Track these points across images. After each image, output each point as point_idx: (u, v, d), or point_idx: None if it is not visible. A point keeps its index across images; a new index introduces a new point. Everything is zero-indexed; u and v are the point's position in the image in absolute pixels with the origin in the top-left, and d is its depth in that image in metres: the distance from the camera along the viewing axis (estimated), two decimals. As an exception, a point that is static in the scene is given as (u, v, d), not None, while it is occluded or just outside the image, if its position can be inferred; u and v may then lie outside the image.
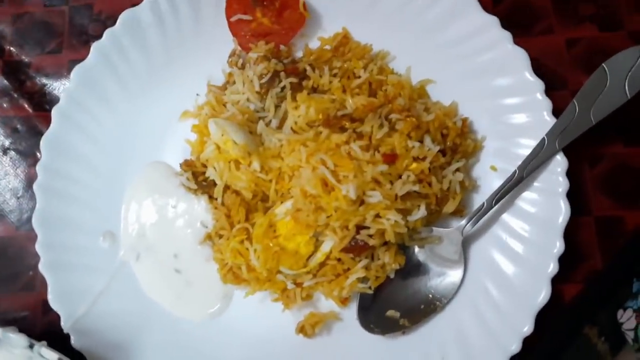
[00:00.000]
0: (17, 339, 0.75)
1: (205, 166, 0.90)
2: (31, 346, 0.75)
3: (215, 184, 0.88)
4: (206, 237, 0.89)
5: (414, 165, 0.84)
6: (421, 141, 0.85)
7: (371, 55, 0.94)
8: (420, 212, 0.83)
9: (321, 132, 0.84)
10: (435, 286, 0.84)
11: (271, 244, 0.83)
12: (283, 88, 0.88)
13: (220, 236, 0.88)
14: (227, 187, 0.88)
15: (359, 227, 0.81)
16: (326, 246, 0.82)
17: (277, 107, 0.88)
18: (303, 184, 0.81)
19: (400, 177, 0.83)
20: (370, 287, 0.84)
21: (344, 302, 0.85)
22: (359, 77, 0.90)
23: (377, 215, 0.81)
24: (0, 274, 0.92)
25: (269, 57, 0.90)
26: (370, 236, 0.81)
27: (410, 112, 0.85)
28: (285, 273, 0.83)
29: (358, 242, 0.81)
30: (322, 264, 0.84)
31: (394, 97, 0.87)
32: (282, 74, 0.88)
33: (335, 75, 0.91)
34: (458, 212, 0.88)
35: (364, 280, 0.83)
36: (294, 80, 0.88)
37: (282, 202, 0.85)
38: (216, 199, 0.88)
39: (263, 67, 0.88)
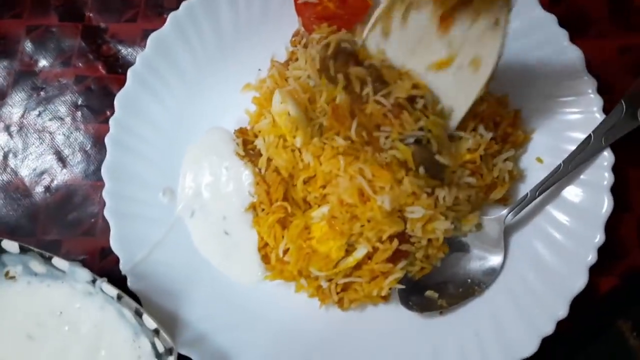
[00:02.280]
0: (81, 273, 0.80)
1: (256, 136, 0.95)
2: (93, 281, 0.80)
3: (261, 155, 0.93)
4: (251, 206, 0.93)
5: (468, 155, 0.87)
6: (474, 129, 0.88)
7: None
8: (473, 222, 0.86)
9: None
10: (475, 270, 0.87)
11: (304, 245, 0.86)
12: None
13: (262, 209, 0.91)
14: (269, 162, 0.92)
15: (400, 237, 0.83)
16: (359, 253, 0.85)
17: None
18: (340, 192, 0.83)
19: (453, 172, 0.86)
20: (413, 277, 0.87)
21: (385, 298, 0.87)
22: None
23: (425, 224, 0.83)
24: (65, 218, 0.98)
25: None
26: (413, 244, 0.84)
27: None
28: (315, 274, 0.86)
29: (398, 249, 0.84)
30: (356, 267, 0.86)
31: None
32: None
33: None
34: (503, 201, 0.90)
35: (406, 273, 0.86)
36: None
37: (318, 206, 0.88)
38: (260, 170, 0.92)
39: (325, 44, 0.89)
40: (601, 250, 0.82)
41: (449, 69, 0.85)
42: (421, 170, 0.83)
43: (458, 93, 0.85)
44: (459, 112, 0.86)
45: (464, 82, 0.84)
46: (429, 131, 0.85)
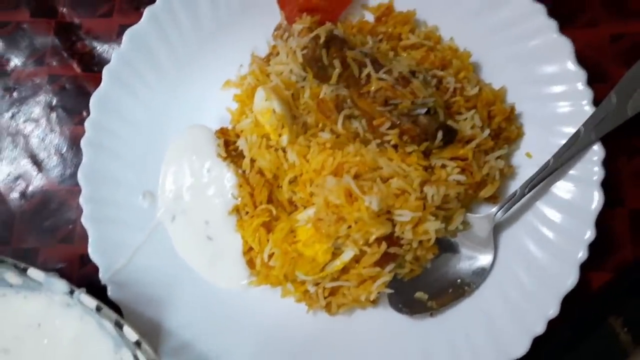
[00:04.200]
0: (58, 284, 0.77)
1: (238, 137, 0.92)
2: (71, 292, 0.77)
3: (244, 156, 0.90)
4: (234, 209, 0.90)
5: (461, 150, 0.85)
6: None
7: (417, 20, 0.95)
8: (458, 220, 0.85)
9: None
10: (465, 270, 0.85)
11: (290, 249, 0.84)
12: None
13: (246, 212, 0.89)
14: (253, 163, 0.89)
15: (389, 239, 0.82)
16: (346, 256, 0.83)
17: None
18: (326, 194, 0.81)
19: (443, 166, 0.84)
20: (402, 278, 0.85)
21: (374, 302, 0.85)
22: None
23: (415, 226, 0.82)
24: (41, 225, 0.95)
25: (313, 28, 0.90)
26: (402, 246, 0.82)
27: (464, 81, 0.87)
28: (301, 279, 0.84)
29: (386, 253, 0.82)
30: (344, 270, 0.84)
31: (449, 62, 0.88)
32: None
33: (381, 41, 0.92)
34: (492, 199, 0.88)
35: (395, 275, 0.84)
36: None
37: (304, 207, 0.86)
38: (243, 172, 0.90)
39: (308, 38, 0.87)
40: (592, 245, 0.81)
41: None
42: (439, 135, 0.82)
43: None
44: None
45: None
46: (434, 100, 0.84)
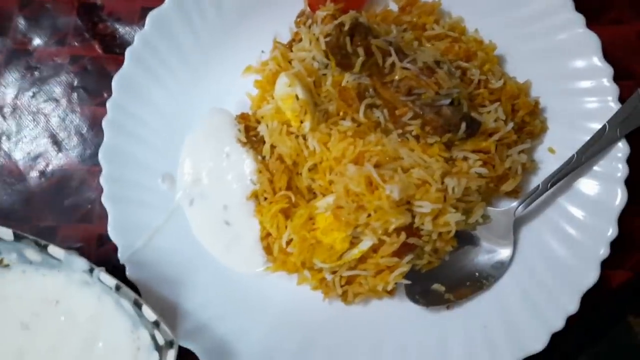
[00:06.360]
0: (78, 262, 0.77)
1: (259, 122, 0.92)
2: (91, 270, 0.77)
3: (264, 142, 0.90)
4: (253, 194, 0.90)
5: (483, 143, 0.84)
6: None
7: (441, 11, 0.94)
8: (478, 213, 0.84)
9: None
10: (484, 263, 0.85)
11: (308, 236, 0.84)
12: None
13: (265, 198, 0.89)
14: (273, 149, 0.89)
15: (408, 230, 0.81)
16: (364, 245, 0.83)
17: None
18: (347, 181, 0.81)
19: (465, 158, 0.83)
20: (420, 269, 0.84)
21: (390, 292, 0.85)
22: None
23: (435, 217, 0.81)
24: (61, 204, 0.95)
25: (336, 16, 0.90)
26: (421, 237, 0.82)
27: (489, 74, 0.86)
28: (318, 266, 0.84)
29: (405, 243, 0.81)
30: (361, 259, 0.84)
31: (473, 53, 0.88)
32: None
33: (405, 31, 0.91)
34: (513, 193, 0.88)
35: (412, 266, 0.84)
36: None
37: (323, 195, 0.86)
38: (263, 158, 0.90)
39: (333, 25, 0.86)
40: (614, 243, 0.80)
41: None
42: (462, 126, 0.82)
43: None
44: None
45: None
46: (459, 92, 0.83)
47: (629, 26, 0.96)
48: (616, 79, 0.86)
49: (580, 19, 0.88)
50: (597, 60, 0.87)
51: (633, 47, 0.95)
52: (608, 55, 0.87)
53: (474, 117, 0.84)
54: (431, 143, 0.84)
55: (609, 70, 0.86)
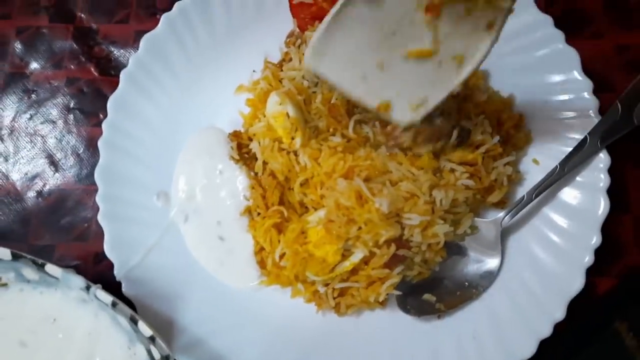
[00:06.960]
0: (75, 280, 0.79)
1: (251, 140, 0.94)
2: (87, 288, 0.78)
3: (256, 159, 0.92)
4: (246, 210, 0.92)
5: (470, 155, 0.86)
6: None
7: None
8: (466, 224, 0.86)
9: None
10: (473, 273, 0.87)
11: (300, 250, 0.86)
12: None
13: (258, 213, 0.91)
14: (265, 166, 0.91)
15: (398, 241, 0.83)
16: (355, 257, 0.84)
17: None
18: (337, 196, 0.83)
19: (452, 170, 0.85)
20: (411, 280, 0.86)
21: (382, 303, 0.86)
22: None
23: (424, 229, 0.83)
24: (58, 223, 0.97)
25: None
26: (411, 248, 0.84)
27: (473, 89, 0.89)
28: (311, 279, 0.85)
29: (395, 254, 0.83)
30: (353, 271, 0.86)
31: None
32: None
33: None
34: (500, 204, 0.90)
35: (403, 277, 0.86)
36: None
37: (315, 209, 0.87)
38: (256, 174, 0.92)
39: None
40: (598, 251, 0.83)
41: (430, 60, 0.80)
42: (454, 133, 0.84)
43: (434, 85, 0.80)
44: (431, 103, 0.81)
45: (442, 76, 0.79)
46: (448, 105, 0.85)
47: (607, 40, 0.99)
48: (596, 91, 0.89)
49: (559, 35, 0.91)
50: (577, 74, 0.90)
51: (612, 60, 0.98)
52: (588, 68, 0.90)
53: (465, 125, 0.87)
54: (423, 153, 0.86)
55: (588, 83, 0.89)
